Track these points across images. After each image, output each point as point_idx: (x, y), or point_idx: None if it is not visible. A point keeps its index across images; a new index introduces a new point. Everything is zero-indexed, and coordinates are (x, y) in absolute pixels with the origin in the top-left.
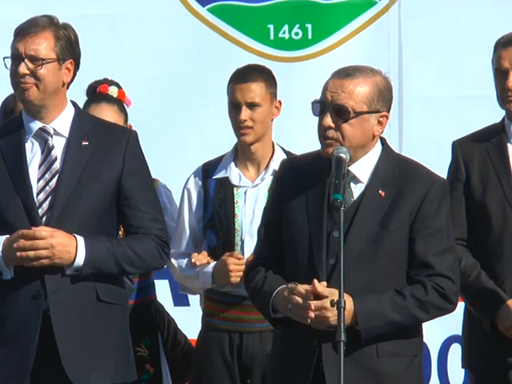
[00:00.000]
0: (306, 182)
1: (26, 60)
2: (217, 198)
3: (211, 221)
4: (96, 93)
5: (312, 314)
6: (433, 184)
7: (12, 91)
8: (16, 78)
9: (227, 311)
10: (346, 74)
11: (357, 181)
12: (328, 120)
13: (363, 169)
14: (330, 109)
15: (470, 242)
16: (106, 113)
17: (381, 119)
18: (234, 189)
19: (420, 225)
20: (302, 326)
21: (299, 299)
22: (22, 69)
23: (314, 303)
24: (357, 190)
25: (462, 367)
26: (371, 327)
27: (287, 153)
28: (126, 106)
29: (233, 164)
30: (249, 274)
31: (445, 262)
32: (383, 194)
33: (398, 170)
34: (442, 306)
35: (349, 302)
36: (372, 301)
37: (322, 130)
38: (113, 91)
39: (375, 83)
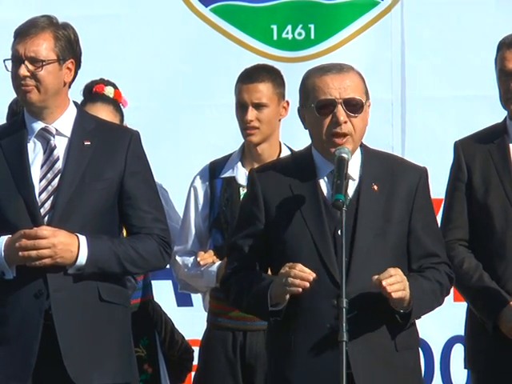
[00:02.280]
0: (289, 187)
1: (26, 62)
2: (223, 198)
3: (217, 220)
4: (92, 93)
5: (311, 277)
6: (420, 175)
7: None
8: (17, 80)
9: (231, 310)
10: (338, 69)
11: (349, 178)
12: (343, 115)
13: (353, 165)
14: (342, 104)
15: (472, 243)
16: (102, 113)
17: (368, 109)
18: (240, 188)
19: (418, 216)
20: (320, 332)
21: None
22: (23, 71)
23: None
24: (350, 188)
25: (465, 368)
26: (419, 307)
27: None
28: (122, 107)
29: (240, 164)
30: (227, 281)
31: (443, 249)
32: (376, 187)
33: (383, 167)
34: (449, 290)
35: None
36: (412, 281)
37: (335, 127)
38: (109, 91)
39: (360, 75)
